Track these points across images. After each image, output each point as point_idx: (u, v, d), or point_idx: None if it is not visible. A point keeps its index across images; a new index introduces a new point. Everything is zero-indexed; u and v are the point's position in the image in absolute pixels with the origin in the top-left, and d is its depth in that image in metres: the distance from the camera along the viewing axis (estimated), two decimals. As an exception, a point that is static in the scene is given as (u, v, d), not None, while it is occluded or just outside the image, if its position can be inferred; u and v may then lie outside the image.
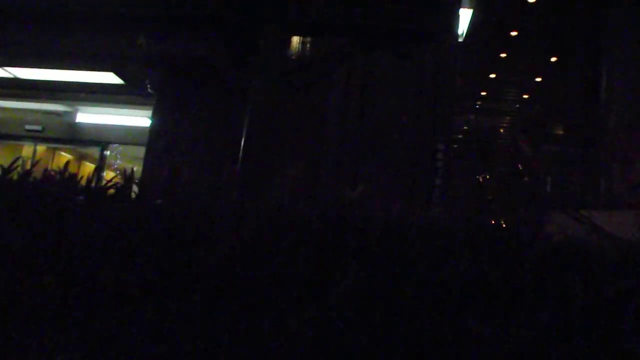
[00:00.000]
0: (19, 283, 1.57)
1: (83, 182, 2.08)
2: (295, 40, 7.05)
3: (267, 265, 1.40)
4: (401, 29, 4.63)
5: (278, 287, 1.40)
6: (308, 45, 7.27)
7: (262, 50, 4.29)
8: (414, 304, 1.38)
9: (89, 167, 11.71)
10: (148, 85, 8.84)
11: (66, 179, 2.06)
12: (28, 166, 9.17)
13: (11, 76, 9.36)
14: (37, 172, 2.17)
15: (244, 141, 4.34)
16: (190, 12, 4.90)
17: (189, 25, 6.29)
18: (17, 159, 2.00)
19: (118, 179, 2.28)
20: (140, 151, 9.01)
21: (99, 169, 9.42)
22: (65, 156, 11.68)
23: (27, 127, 10.44)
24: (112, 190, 2.01)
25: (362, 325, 1.40)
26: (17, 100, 10.59)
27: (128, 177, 2.14)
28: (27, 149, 10.85)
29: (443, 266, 1.33)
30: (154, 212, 1.57)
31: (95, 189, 1.87)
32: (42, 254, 1.58)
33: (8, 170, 1.80)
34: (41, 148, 10.92)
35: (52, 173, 2.13)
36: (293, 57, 6.27)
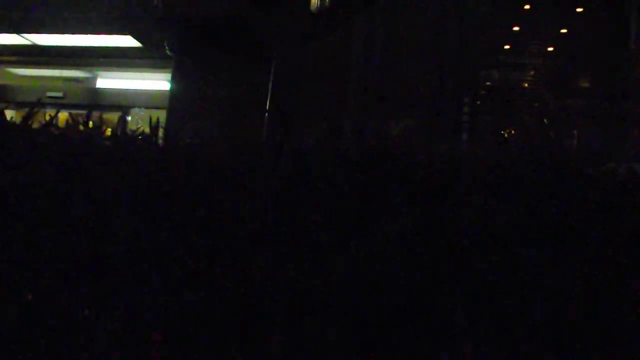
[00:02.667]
0: (43, 235, 1.50)
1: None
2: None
3: (307, 205, 1.30)
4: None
5: (320, 228, 1.30)
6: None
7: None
8: (467, 243, 1.27)
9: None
10: (166, 47, 8.70)
11: (91, 128, 1.98)
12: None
13: (30, 43, 9.31)
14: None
15: (270, 98, 4.21)
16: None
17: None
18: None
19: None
20: (163, 115, 8.93)
21: (123, 119, 9.32)
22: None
23: (49, 94, 10.42)
24: (139, 138, 1.92)
25: (412, 266, 1.30)
26: (37, 68, 10.58)
27: (154, 126, 2.05)
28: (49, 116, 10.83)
29: (497, 201, 1.23)
30: (186, 155, 1.48)
31: (121, 135, 1.78)
32: (69, 201, 1.50)
33: (29, 115, 1.72)
34: (63, 115, 10.90)
35: (75, 122, 2.05)
36: (315, 5, 6.07)
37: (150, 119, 2.13)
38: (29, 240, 1.37)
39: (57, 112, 2.10)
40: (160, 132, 2.16)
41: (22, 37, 9.08)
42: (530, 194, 1.30)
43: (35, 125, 1.98)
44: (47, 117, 2.01)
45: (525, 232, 1.28)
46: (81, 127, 1.96)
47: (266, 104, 4.42)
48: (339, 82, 7.62)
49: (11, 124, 1.91)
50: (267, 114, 4.40)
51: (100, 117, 2.28)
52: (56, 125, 1.78)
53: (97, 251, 1.41)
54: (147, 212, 1.41)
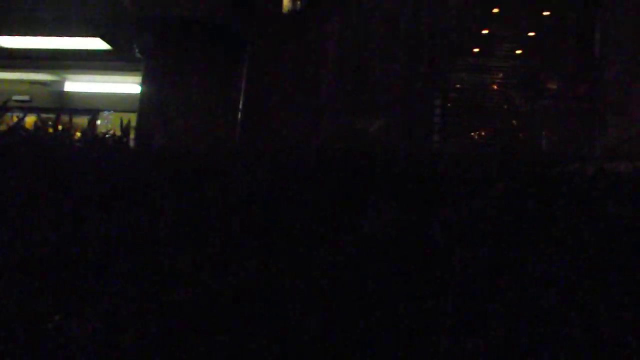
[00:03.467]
0: (19, 236, 1.46)
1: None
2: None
3: (286, 204, 1.29)
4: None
5: (300, 227, 1.29)
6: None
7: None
8: (449, 238, 1.28)
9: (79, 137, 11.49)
10: (136, 50, 8.57)
11: (60, 130, 1.94)
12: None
13: (-4, 46, 9.10)
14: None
15: (244, 99, 4.18)
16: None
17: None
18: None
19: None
20: (133, 118, 8.80)
21: (93, 120, 9.18)
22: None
23: (15, 97, 10.20)
24: (110, 139, 1.89)
25: (394, 264, 1.30)
26: (3, 71, 10.34)
27: (125, 127, 2.02)
28: (15, 120, 10.60)
29: (479, 196, 1.23)
30: (160, 155, 1.45)
31: (92, 137, 1.74)
32: (41, 203, 1.46)
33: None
34: (30, 119, 10.68)
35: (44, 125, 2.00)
36: (289, 4, 6.05)
37: (122, 121, 2.09)
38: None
39: (24, 116, 2.04)
40: (132, 134, 2.13)
41: (-13, 39, 8.87)
42: (501, 194, 1.31)
43: (2, 129, 1.93)
44: (15, 119, 1.96)
45: (496, 231, 1.29)
46: (50, 130, 1.92)
47: (239, 105, 4.38)
48: (313, 81, 7.62)
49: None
50: (240, 115, 4.36)
51: (70, 120, 2.24)
52: (24, 128, 1.73)
53: (70, 254, 1.37)
54: (118, 213, 1.38)
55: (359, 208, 1.29)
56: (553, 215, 1.32)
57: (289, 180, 1.31)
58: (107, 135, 1.93)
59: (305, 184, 1.31)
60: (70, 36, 8.56)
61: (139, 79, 8.74)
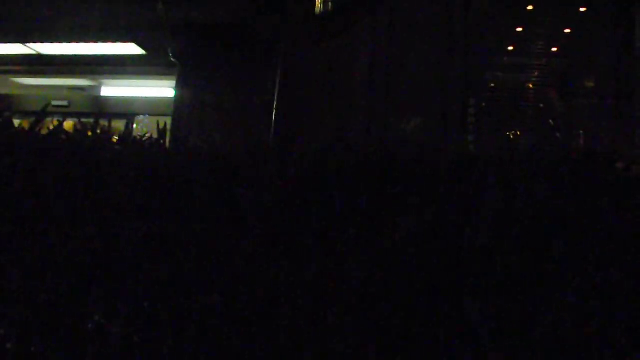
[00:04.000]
0: (61, 237, 1.49)
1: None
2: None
3: (320, 206, 1.29)
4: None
5: (334, 229, 1.29)
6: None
7: (289, 1, 4.12)
8: (481, 240, 1.26)
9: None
10: (170, 54, 8.72)
11: (99, 133, 1.98)
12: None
13: (34, 52, 9.35)
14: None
15: (276, 102, 4.20)
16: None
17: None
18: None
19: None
20: (168, 122, 8.91)
21: (129, 124, 9.37)
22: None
23: (54, 103, 10.47)
24: (148, 141, 1.92)
25: (426, 265, 1.28)
26: (42, 77, 10.62)
27: (162, 130, 2.05)
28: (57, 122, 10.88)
29: (517, 196, 1.21)
30: (195, 155, 1.47)
31: (130, 139, 1.77)
32: (82, 205, 1.49)
33: (36, 122, 1.71)
34: (68, 123, 10.95)
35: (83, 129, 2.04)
36: (320, 7, 6.08)
37: (158, 125, 2.13)
38: (43, 245, 1.37)
39: (63, 121, 2.09)
40: (167, 136, 2.16)
41: (27, 47, 9.13)
42: (543, 192, 1.28)
43: (44, 132, 1.98)
44: (55, 123, 2.01)
45: (535, 231, 1.26)
46: (89, 133, 1.96)
47: (273, 108, 4.41)
48: (346, 85, 7.62)
49: (19, 130, 1.91)
50: (274, 118, 4.38)
51: (109, 124, 2.28)
52: (65, 131, 1.77)
53: (110, 254, 1.40)
54: (156, 214, 1.40)
55: (395, 209, 1.28)
56: (596, 218, 1.29)
57: (321, 181, 1.31)
58: (143, 138, 1.97)
59: (339, 185, 1.31)
60: (106, 42, 8.76)
61: (173, 83, 8.92)
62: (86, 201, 1.44)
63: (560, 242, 1.17)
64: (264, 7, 5.61)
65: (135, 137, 1.91)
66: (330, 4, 6.87)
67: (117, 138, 2.07)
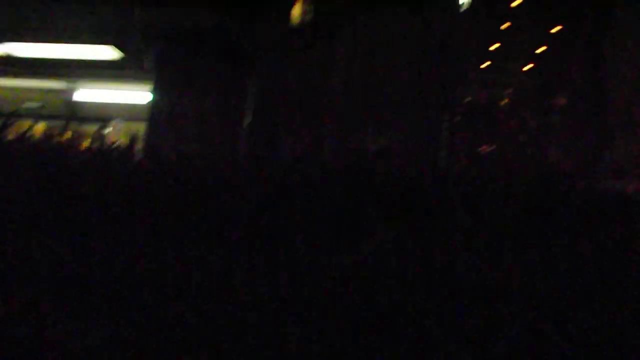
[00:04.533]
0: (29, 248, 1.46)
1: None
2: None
3: (291, 216, 1.29)
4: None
5: (304, 238, 1.29)
6: (313, 5, 7.07)
7: (267, 12, 4.13)
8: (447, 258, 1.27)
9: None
10: (147, 59, 8.65)
11: (68, 140, 1.96)
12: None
13: (5, 53, 9.20)
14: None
15: (253, 110, 4.20)
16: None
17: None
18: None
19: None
20: (142, 128, 8.87)
21: (99, 132, 9.24)
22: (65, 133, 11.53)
23: (27, 105, 10.29)
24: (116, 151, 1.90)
25: (391, 279, 1.30)
26: (16, 78, 10.44)
27: (132, 138, 2.04)
28: (26, 126, 10.71)
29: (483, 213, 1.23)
30: (168, 165, 1.46)
31: (100, 147, 1.76)
32: (49, 215, 1.47)
33: (4, 126, 1.68)
34: (41, 126, 10.78)
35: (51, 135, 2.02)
36: (298, 19, 6.10)
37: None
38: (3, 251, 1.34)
39: (33, 124, 2.07)
40: (139, 145, 2.14)
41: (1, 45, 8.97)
42: (507, 210, 1.31)
43: (13, 136, 1.95)
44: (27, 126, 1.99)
45: (501, 248, 1.28)
46: (58, 138, 1.94)
47: (247, 114, 4.40)
48: (321, 93, 7.66)
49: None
50: (249, 124, 4.38)
51: (77, 130, 2.25)
52: (31, 138, 1.75)
53: (76, 263, 1.38)
54: (121, 225, 1.38)
55: (360, 225, 1.29)
56: (556, 234, 1.32)
57: (292, 195, 1.32)
58: (113, 147, 1.95)
59: (308, 199, 1.31)
60: (82, 44, 8.66)
61: (149, 88, 8.84)
62: (49, 211, 1.42)
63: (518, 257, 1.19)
64: (240, 15, 5.62)
65: (104, 146, 1.90)
66: (307, 15, 6.92)
67: (86, 145, 2.05)
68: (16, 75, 10.20)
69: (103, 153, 1.71)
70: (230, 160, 1.48)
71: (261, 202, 1.31)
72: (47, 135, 1.83)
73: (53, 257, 1.38)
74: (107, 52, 8.74)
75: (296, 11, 6.00)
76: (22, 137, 1.76)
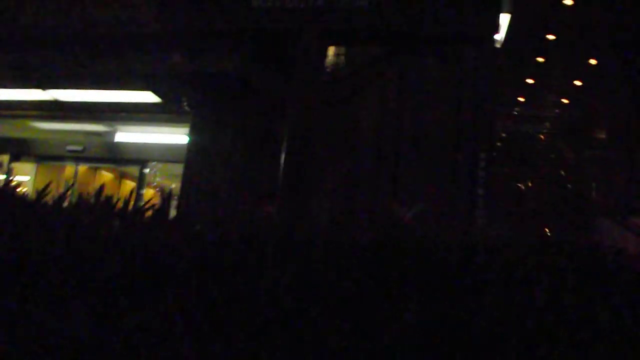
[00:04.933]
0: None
1: (120, 203, 1.99)
2: (332, 51, 6.95)
3: (317, 296, 1.26)
4: (442, 34, 4.47)
5: (329, 320, 1.26)
6: (344, 57, 7.16)
7: (299, 62, 4.18)
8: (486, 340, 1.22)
9: (129, 185, 11.85)
10: (185, 103, 8.87)
11: (101, 202, 1.98)
12: (70, 186, 9.33)
13: (52, 99, 9.55)
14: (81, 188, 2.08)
15: (284, 154, 4.22)
16: (223, 27, 4.83)
17: (223, 40, 6.26)
18: (49, 184, 1.92)
19: (156, 199, 2.19)
20: (180, 168, 9.05)
21: (137, 189, 9.44)
22: (106, 175, 11.83)
23: (69, 147, 10.62)
24: (149, 213, 1.91)
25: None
26: (59, 122, 10.81)
27: (166, 197, 2.05)
28: (69, 169, 11.04)
29: (518, 296, 1.17)
30: (192, 238, 1.46)
31: (130, 213, 1.77)
32: (75, 284, 1.48)
33: (42, 194, 1.72)
34: (82, 168, 11.08)
35: (87, 197, 2.05)
36: (330, 69, 6.17)
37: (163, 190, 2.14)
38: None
39: (70, 187, 2.11)
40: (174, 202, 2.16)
41: (45, 92, 9.32)
42: (548, 287, 1.25)
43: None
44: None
45: (543, 329, 1.22)
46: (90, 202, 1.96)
47: (281, 156, 4.42)
48: (354, 145, 7.71)
49: (23, 199, 1.92)
50: (281, 172, 4.40)
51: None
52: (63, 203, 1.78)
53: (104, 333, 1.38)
54: (149, 298, 1.38)
55: (396, 299, 1.25)
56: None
57: (322, 274, 1.29)
58: (146, 208, 1.96)
59: (339, 278, 1.28)
60: (122, 90, 8.94)
61: (186, 130, 9.04)
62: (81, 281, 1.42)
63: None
64: (271, 66, 5.72)
65: (136, 208, 1.91)
66: (339, 64, 6.99)
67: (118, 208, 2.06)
68: (61, 119, 10.57)
69: (133, 220, 1.72)
70: (260, 234, 1.46)
71: (287, 283, 1.28)
72: (82, 200, 1.86)
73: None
74: (147, 97, 9.00)
75: (330, 63, 6.09)
76: (58, 203, 1.79)
